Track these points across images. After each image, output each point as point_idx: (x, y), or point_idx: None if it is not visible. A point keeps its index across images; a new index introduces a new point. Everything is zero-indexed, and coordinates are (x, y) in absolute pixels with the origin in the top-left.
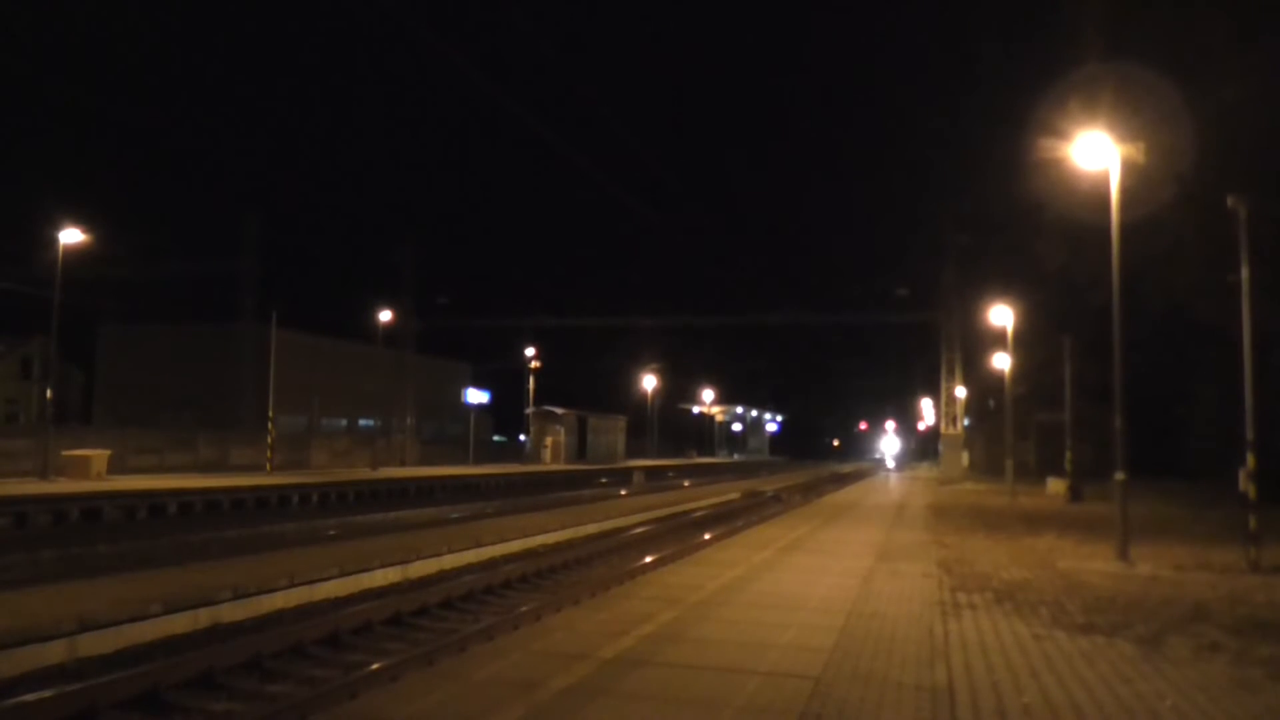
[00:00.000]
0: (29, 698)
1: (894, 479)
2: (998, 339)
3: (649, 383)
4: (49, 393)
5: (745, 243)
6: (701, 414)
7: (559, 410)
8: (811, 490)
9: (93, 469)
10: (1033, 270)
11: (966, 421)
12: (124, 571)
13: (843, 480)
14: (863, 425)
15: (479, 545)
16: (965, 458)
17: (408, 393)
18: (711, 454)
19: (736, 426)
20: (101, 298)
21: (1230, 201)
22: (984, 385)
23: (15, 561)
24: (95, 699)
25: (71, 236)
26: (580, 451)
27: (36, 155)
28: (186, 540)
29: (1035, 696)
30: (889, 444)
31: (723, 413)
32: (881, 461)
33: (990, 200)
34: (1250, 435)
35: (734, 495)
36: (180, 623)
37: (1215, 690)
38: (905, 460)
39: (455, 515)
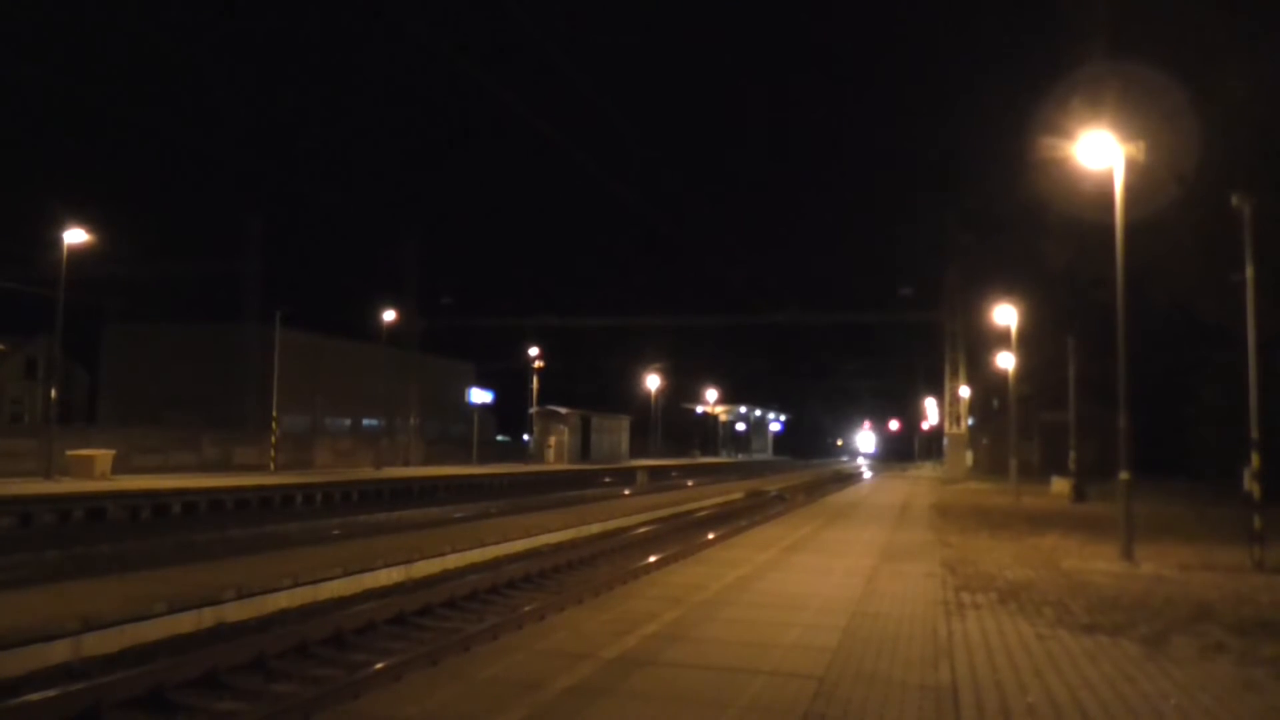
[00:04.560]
0: (34, 697)
1: (876, 483)
2: (1002, 338)
3: (653, 382)
4: (53, 393)
5: (748, 242)
6: (705, 414)
7: (563, 410)
8: (815, 490)
9: (97, 469)
10: (1037, 269)
11: (970, 421)
12: (128, 571)
13: (846, 480)
14: (866, 425)
15: (483, 545)
16: (969, 457)
17: (411, 392)
18: (715, 454)
19: (740, 426)
20: (106, 297)
21: (1234, 200)
22: (988, 384)
23: (20, 561)
24: (100, 698)
25: (75, 236)
26: (584, 451)
27: (40, 155)
28: (190, 540)
29: (1039, 696)
30: (865, 440)
31: (726, 412)
32: (854, 461)
33: (994, 199)
34: (1255, 434)
35: (737, 495)
36: (184, 622)
37: (1219, 690)
38: (882, 456)
39: (459, 515)
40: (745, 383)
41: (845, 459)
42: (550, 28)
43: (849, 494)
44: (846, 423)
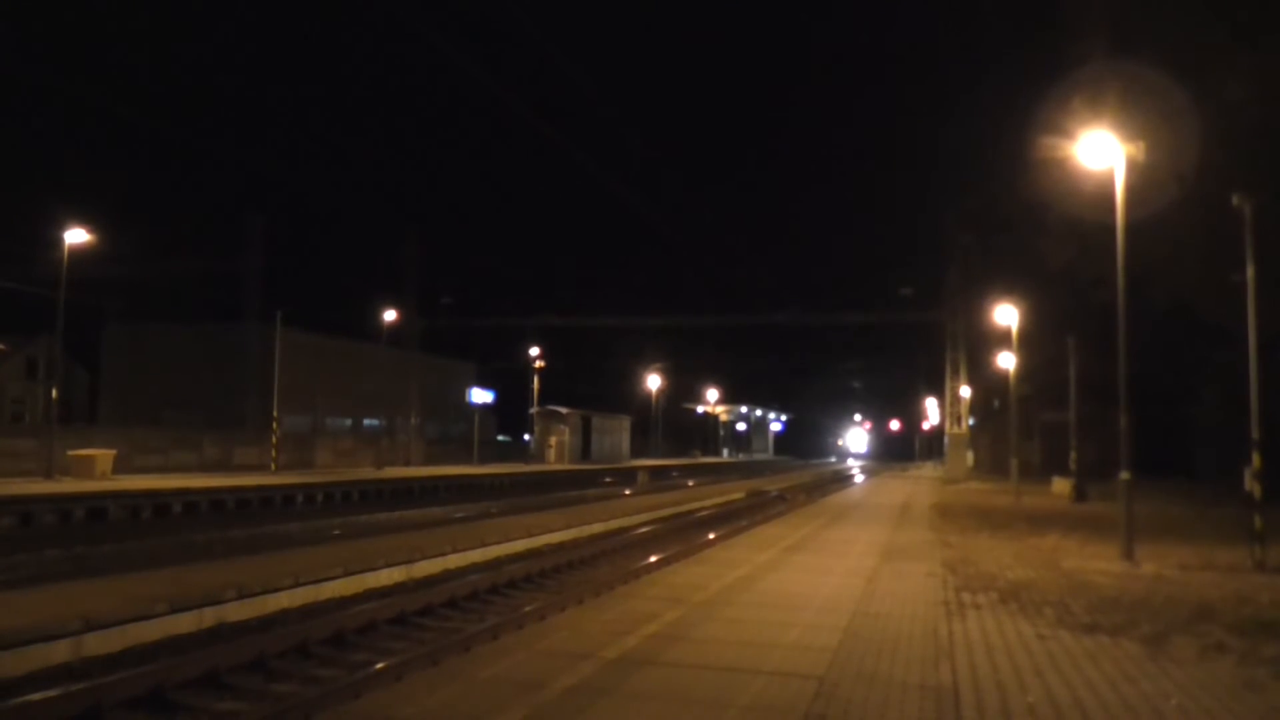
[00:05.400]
0: (35, 697)
1: (876, 483)
2: (1002, 338)
3: (653, 382)
4: (54, 392)
5: (749, 242)
6: (706, 414)
7: (563, 410)
8: (816, 490)
9: (98, 468)
10: (1038, 269)
11: (971, 421)
12: (129, 571)
13: (846, 480)
14: (867, 425)
15: (483, 545)
16: (970, 457)
17: (412, 392)
18: (716, 454)
19: (741, 426)
20: (106, 297)
21: (1235, 200)
22: (989, 384)
23: (21, 561)
24: (100, 698)
25: (76, 236)
26: (585, 451)
27: (40, 155)
28: (191, 540)
29: (1040, 696)
30: (856, 439)
31: (727, 412)
32: (844, 462)
33: (994, 199)
34: (1255, 434)
35: (738, 495)
36: (185, 622)
37: (1220, 690)
38: (876, 456)
39: (460, 515)
40: (745, 383)
41: (833, 459)
42: (550, 28)
43: (850, 494)
44: (848, 422)
